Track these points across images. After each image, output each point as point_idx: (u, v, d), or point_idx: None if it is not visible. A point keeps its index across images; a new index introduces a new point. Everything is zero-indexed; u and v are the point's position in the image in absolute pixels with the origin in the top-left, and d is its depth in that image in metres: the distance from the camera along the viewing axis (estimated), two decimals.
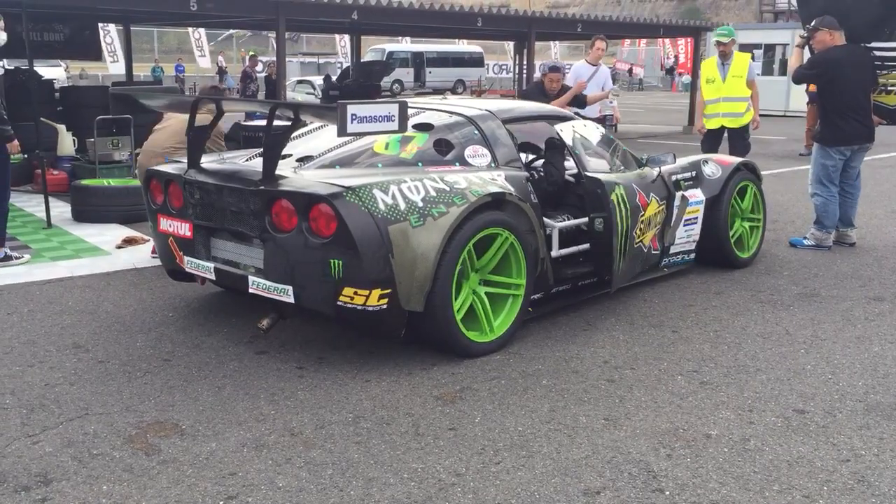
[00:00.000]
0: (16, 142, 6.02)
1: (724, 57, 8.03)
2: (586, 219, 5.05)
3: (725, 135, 8.31)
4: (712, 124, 8.24)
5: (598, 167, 5.12)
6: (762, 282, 5.78)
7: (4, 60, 11.46)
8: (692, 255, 5.98)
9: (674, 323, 4.88)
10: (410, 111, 4.85)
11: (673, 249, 5.78)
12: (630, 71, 46.23)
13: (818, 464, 3.15)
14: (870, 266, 6.25)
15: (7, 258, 6.08)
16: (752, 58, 9.19)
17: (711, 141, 8.27)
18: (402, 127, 3.89)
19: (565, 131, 5.08)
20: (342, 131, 3.68)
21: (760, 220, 6.35)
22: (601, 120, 8.96)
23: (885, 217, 8.28)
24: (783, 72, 24.90)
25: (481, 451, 3.27)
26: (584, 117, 8.70)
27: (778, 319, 4.95)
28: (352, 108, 3.68)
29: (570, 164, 5.37)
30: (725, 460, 3.18)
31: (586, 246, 5.12)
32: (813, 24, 6.58)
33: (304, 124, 4.68)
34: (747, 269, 6.09)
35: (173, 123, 5.87)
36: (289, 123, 4.19)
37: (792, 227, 7.59)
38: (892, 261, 6.41)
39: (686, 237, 5.83)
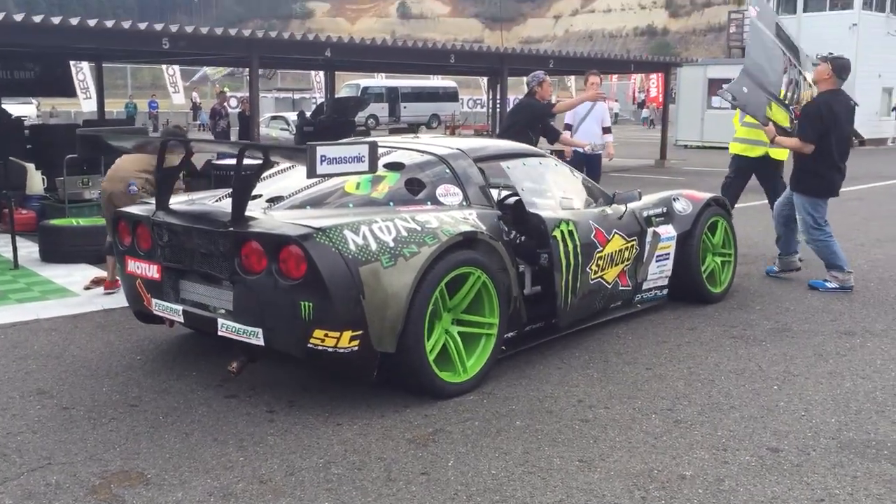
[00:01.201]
0: None
1: None
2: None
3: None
4: (755, 152, 7.60)
5: (550, 204, 5.13)
6: (735, 317, 5.80)
7: None
8: (665, 291, 6.00)
9: (648, 360, 4.87)
10: (382, 150, 4.88)
11: (646, 285, 5.79)
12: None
13: None
14: (840, 300, 6.30)
15: None
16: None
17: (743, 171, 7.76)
18: (373, 168, 3.88)
19: (513, 168, 5.11)
20: (311, 173, 3.67)
21: (732, 254, 6.40)
22: (594, 156, 8.99)
23: (854, 251, 8.38)
24: None
25: (454, 496, 3.21)
26: (576, 153, 8.83)
27: (751, 355, 4.96)
28: (321, 150, 3.66)
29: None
30: (700, 502, 3.15)
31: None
32: (824, 56, 6.56)
33: (274, 165, 4.66)
34: (720, 304, 6.12)
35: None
36: (259, 164, 4.16)
37: (763, 260, 7.64)
38: (862, 294, 6.48)
39: (658, 273, 5.85)
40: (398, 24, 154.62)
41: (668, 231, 5.87)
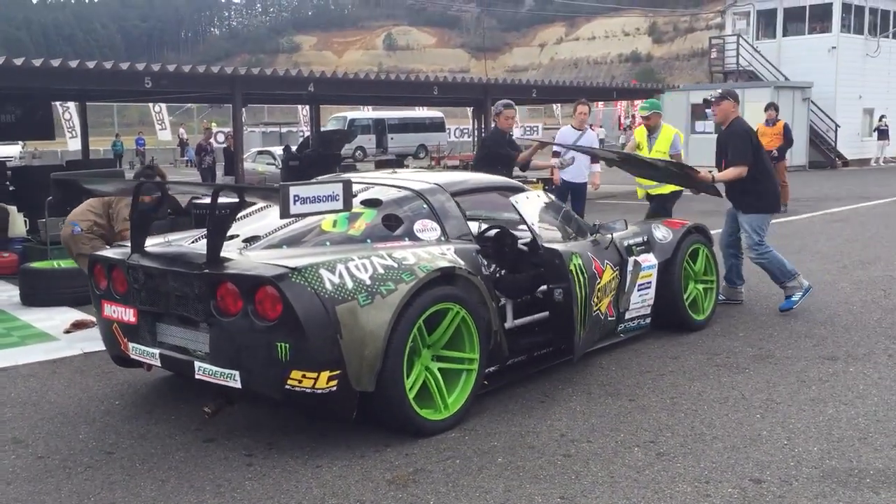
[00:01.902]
0: None
1: (651, 130, 7.89)
2: (544, 287, 5.05)
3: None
4: (640, 193, 8.35)
5: (552, 237, 5.14)
6: (718, 344, 5.79)
7: None
8: (648, 320, 5.98)
9: (630, 391, 4.84)
10: (359, 186, 4.88)
11: (628, 315, 5.78)
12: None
13: None
14: (823, 324, 6.29)
15: None
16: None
17: (654, 205, 8.13)
18: (347, 206, 3.87)
19: (520, 202, 5.11)
20: (285, 213, 3.66)
21: (714, 281, 6.40)
22: (580, 185, 9.07)
23: (838, 273, 8.40)
24: None
25: None
26: (564, 181, 8.92)
27: (734, 383, 4.94)
28: (294, 190, 3.65)
29: (521, 233, 5.40)
30: None
31: (545, 315, 5.12)
32: (720, 93, 6.63)
33: (249, 206, 4.65)
34: (703, 331, 6.11)
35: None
36: (234, 203, 4.15)
37: (747, 285, 7.64)
38: (844, 318, 6.48)
39: (641, 302, 5.84)
40: (385, 55, 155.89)
41: (649, 260, 5.87)
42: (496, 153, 7.78)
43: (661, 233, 6.11)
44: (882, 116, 28.26)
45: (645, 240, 5.96)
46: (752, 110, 22.88)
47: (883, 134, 28.23)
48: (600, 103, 49.10)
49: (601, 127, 49.09)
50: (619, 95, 22.73)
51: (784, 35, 28.87)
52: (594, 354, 5.51)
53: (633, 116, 45.59)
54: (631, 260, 5.73)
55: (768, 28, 29.35)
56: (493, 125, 8.25)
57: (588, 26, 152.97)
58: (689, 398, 4.69)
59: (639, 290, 5.80)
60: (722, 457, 3.86)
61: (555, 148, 8.87)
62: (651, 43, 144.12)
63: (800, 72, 27.14)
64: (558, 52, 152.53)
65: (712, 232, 6.62)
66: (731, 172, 6.55)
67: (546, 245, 4.97)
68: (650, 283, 5.88)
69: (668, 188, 7.83)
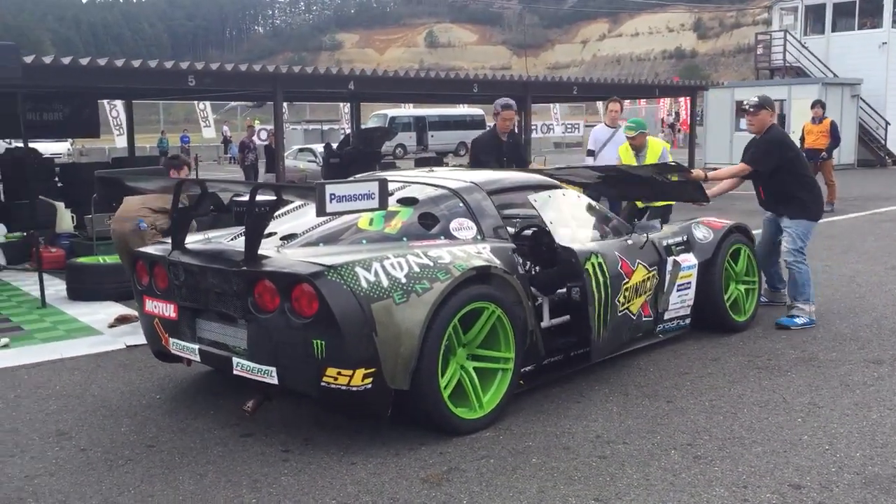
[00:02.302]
0: None
1: (637, 149, 7.66)
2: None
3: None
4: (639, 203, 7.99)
5: (575, 236, 5.09)
6: (759, 346, 5.70)
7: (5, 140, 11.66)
8: (687, 321, 5.91)
9: (668, 392, 4.79)
10: (395, 185, 4.90)
11: (667, 315, 5.71)
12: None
13: None
14: (869, 327, 6.15)
15: None
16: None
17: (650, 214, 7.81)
18: (383, 205, 3.88)
19: (539, 201, 5.08)
20: (321, 212, 3.68)
21: (756, 282, 6.30)
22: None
23: (885, 273, 8.21)
24: (781, 127, 25.10)
25: None
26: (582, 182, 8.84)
27: (775, 386, 4.86)
28: (330, 188, 3.68)
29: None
30: None
31: (567, 317, 5.09)
32: (757, 102, 6.29)
33: (286, 204, 4.69)
34: (744, 333, 6.01)
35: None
36: (272, 201, 4.19)
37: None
38: (891, 321, 6.33)
39: (680, 303, 5.77)
40: (426, 53, 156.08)
41: (688, 260, 5.80)
42: (476, 159, 7.52)
43: (702, 233, 6.03)
44: None
45: (685, 239, 5.89)
46: (799, 108, 22.49)
47: None
48: (643, 101, 48.70)
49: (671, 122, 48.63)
50: (661, 92, 22.48)
51: (833, 31, 28.25)
52: (632, 355, 5.46)
53: (677, 114, 45.09)
54: (670, 260, 5.67)
55: (817, 23, 28.75)
56: (488, 130, 7.86)
57: (631, 22, 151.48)
58: (729, 401, 4.62)
59: (678, 291, 5.73)
60: (761, 461, 3.80)
61: (588, 146, 9.11)
62: (696, 39, 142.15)
63: (849, 68, 26.55)
64: (601, 48, 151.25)
65: (753, 232, 6.51)
66: (726, 170, 6.39)
67: (561, 244, 4.91)
68: (690, 283, 5.80)
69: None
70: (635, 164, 7.63)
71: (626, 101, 51.03)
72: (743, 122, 26.36)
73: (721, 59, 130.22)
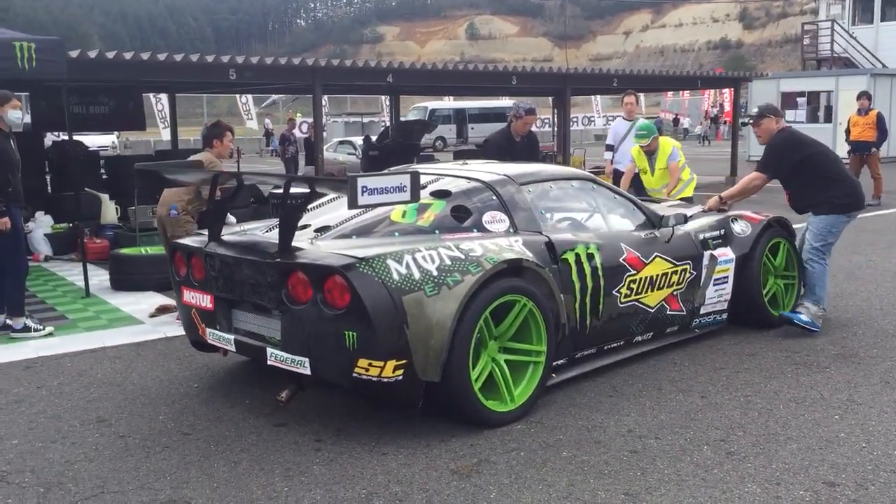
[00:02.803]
0: (6, 219, 5.94)
1: (650, 153, 7.66)
2: None
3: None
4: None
5: (571, 227, 5.05)
6: (798, 342, 5.61)
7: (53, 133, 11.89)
8: (724, 316, 5.84)
9: (703, 388, 4.74)
10: (428, 178, 4.91)
11: (703, 310, 5.65)
12: (675, 120, 46.16)
13: None
14: None
15: (26, 329, 6.12)
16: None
17: None
18: (415, 197, 3.90)
19: (556, 191, 5.16)
20: (353, 204, 3.71)
21: (795, 276, 6.18)
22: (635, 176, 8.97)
23: None
24: (828, 119, 24.64)
25: None
26: (616, 171, 8.85)
27: (813, 383, 4.78)
28: (362, 181, 3.70)
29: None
30: None
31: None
32: (757, 112, 6.12)
33: (320, 197, 4.73)
34: (782, 328, 5.91)
35: None
36: (306, 194, 4.24)
37: (833, 282, 7.36)
38: None
39: (717, 297, 5.70)
40: (467, 45, 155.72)
41: (725, 254, 5.72)
42: (503, 155, 7.29)
43: (740, 227, 5.94)
44: None
45: (722, 233, 5.81)
46: (846, 99, 22.01)
47: None
48: (686, 92, 48.00)
49: (688, 116, 48.01)
50: (703, 84, 22.14)
51: (882, 20, 27.57)
52: (666, 350, 5.42)
53: (721, 105, 44.42)
54: (707, 254, 5.60)
55: (865, 13, 28.09)
56: (502, 129, 7.72)
57: (675, 13, 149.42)
58: (765, 397, 4.56)
59: (714, 285, 5.66)
60: (795, 458, 3.75)
61: (608, 141, 9.40)
62: (741, 29, 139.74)
63: None
64: (643, 39, 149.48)
65: (795, 226, 6.39)
66: (736, 187, 6.19)
67: (541, 234, 4.74)
68: (727, 277, 5.73)
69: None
70: (647, 166, 7.71)
71: (669, 93, 49.91)
72: (790, 114, 25.91)
73: (767, 49, 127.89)
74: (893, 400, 4.45)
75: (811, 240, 5.96)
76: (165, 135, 31.72)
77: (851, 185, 6.01)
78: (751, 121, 6.25)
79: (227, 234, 4.72)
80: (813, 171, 5.90)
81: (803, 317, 5.79)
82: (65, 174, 11.36)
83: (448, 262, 4.08)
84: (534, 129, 8.10)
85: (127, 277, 7.87)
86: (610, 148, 9.22)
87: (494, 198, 4.76)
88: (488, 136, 8.01)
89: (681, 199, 7.37)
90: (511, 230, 4.65)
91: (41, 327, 6.24)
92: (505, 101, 41.04)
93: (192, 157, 6.58)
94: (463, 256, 4.14)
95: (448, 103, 40.80)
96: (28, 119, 7.22)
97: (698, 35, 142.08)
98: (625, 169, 8.77)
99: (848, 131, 14.13)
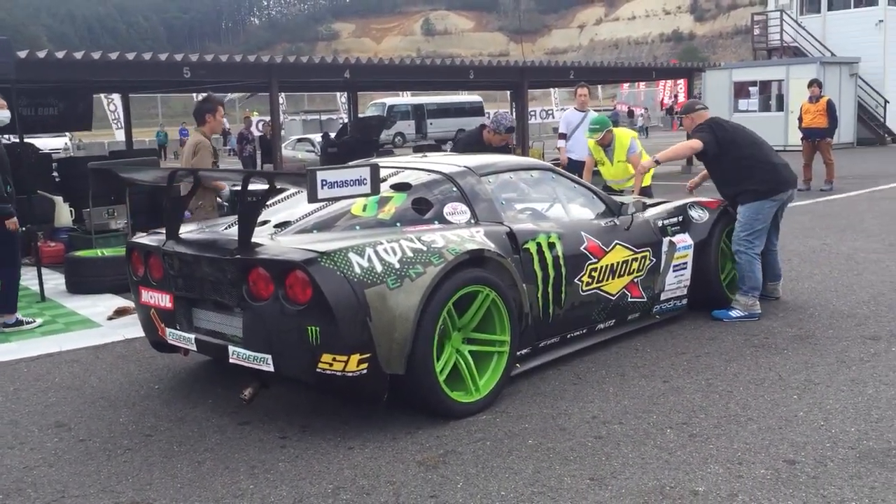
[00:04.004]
0: (14, 219, 6.28)
1: (605, 144, 7.70)
2: None
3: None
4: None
5: (531, 217, 5.06)
6: (756, 325, 5.71)
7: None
8: (684, 301, 5.92)
9: (665, 373, 4.80)
10: (388, 171, 4.90)
11: (664, 296, 5.72)
12: (630, 112, 46.65)
13: None
14: (866, 304, 6.16)
15: (18, 323, 6.35)
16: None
17: None
18: (375, 190, 3.88)
19: (516, 181, 5.18)
20: (313, 198, 3.68)
21: None
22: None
23: (884, 251, 8.21)
24: (780, 107, 25.08)
25: None
26: (570, 160, 8.99)
27: (771, 364, 4.87)
28: (321, 175, 3.68)
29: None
30: None
31: None
32: (683, 109, 6.41)
33: (279, 192, 4.69)
34: None
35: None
36: (264, 190, 4.20)
37: (789, 265, 7.51)
38: (889, 297, 6.33)
39: (676, 283, 5.78)
40: (423, 41, 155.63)
41: (684, 240, 5.80)
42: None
43: (698, 213, 6.03)
44: None
45: (680, 220, 5.88)
46: (797, 88, 22.43)
47: None
48: (642, 84, 48.52)
49: (645, 108, 48.54)
50: (658, 75, 22.43)
51: (829, 9, 28.14)
52: (629, 336, 5.48)
53: (676, 96, 45.01)
54: (666, 241, 5.67)
55: (812, 3, 28.63)
56: (478, 128, 7.58)
57: (628, 6, 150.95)
58: (725, 380, 4.64)
59: (674, 271, 5.73)
60: (756, 438, 3.81)
61: (560, 130, 9.65)
62: (693, 21, 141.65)
63: (846, 47, 26.46)
64: (598, 32, 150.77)
65: None
66: (669, 151, 6.23)
67: (509, 225, 4.75)
68: (686, 263, 5.81)
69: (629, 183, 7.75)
70: (605, 157, 7.77)
71: (625, 85, 50.41)
72: (742, 103, 26.37)
73: (719, 40, 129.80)
74: (849, 379, 4.55)
75: (738, 230, 5.93)
76: (119, 136, 31.19)
77: (771, 168, 5.95)
78: (679, 116, 6.45)
79: (186, 232, 4.66)
80: (731, 158, 5.97)
81: (733, 314, 5.85)
82: (16, 177, 11.08)
83: (410, 254, 4.07)
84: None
85: (83, 280, 7.73)
86: (563, 136, 9.51)
87: (455, 189, 4.76)
88: (460, 137, 8.06)
89: (643, 189, 7.40)
90: (472, 221, 4.65)
91: (32, 320, 6.48)
92: (464, 97, 41.16)
93: (191, 143, 6.50)
94: (425, 248, 4.14)
95: (406, 99, 40.75)
96: None
97: (651, 28, 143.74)
98: (578, 157, 8.94)
99: (800, 119, 14.41)
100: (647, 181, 7.80)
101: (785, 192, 5.97)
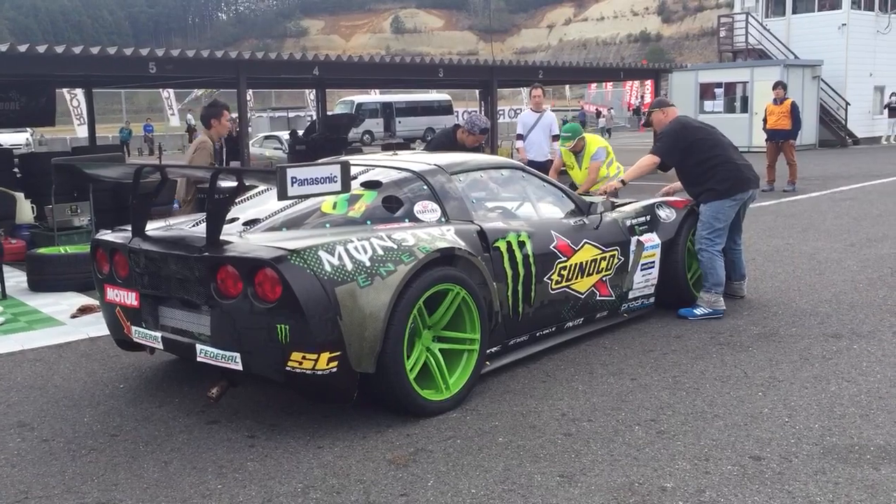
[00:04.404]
0: None
1: (576, 152, 7.84)
2: None
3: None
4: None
5: (501, 216, 5.06)
6: (722, 323, 5.78)
7: None
8: (652, 300, 5.97)
9: (633, 370, 4.84)
10: (359, 168, 4.88)
11: (632, 294, 5.77)
12: (598, 113, 46.97)
13: None
14: (828, 302, 6.27)
15: None
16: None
17: None
18: (345, 188, 3.86)
19: (486, 180, 5.19)
20: (282, 195, 3.65)
21: None
22: (546, 163, 9.21)
23: (844, 251, 8.36)
24: (744, 108, 25.41)
25: None
26: (529, 161, 9.11)
27: (737, 362, 4.93)
28: (291, 172, 3.65)
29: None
30: None
31: None
32: (649, 111, 6.56)
33: (248, 189, 4.65)
34: None
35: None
36: (233, 187, 4.15)
37: (753, 265, 7.62)
38: (850, 296, 6.45)
39: (644, 282, 5.83)
40: (392, 39, 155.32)
41: (652, 239, 5.85)
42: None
43: (665, 212, 6.09)
44: (893, 94, 28.02)
45: (648, 219, 5.94)
46: (761, 89, 22.75)
47: (894, 111, 28.00)
48: (609, 84, 48.87)
49: (611, 109, 48.91)
50: (626, 75, 22.60)
51: (793, 12, 28.58)
52: (597, 334, 5.52)
53: (643, 97, 45.40)
54: (634, 240, 5.72)
55: (777, 6, 29.06)
56: (452, 128, 7.65)
57: (597, 6, 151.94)
58: (692, 377, 4.69)
59: (642, 270, 5.78)
60: (722, 434, 3.86)
61: (518, 131, 9.90)
62: (660, 22, 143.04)
63: (810, 50, 26.90)
64: (567, 33, 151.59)
65: None
66: (633, 169, 6.28)
67: (479, 223, 4.75)
68: (654, 262, 5.86)
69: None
70: (574, 163, 7.89)
71: (593, 85, 50.67)
72: (708, 104, 26.60)
73: (685, 42, 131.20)
74: (813, 375, 4.63)
75: (700, 228, 5.99)
76: (82, 132, 30.74)
77: (733, 168, 6.01)
78: (648, 112, 6.60)
79: (152, 230, 4.60)
80: (695, 159, 6.06)
81: (697, 311, 5.91)
82: None
83: (381, 252, 4.06)
84: (461, 121, 8.14)
85: (46, 278, 7.58)
86: (520, 137, 9.79)
87: (426, 187, 4.75)
88: (434, 136, 8.10)
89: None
90: (443, 219, 4.65)
91: None
92: (433, 95, 41.15)
93: (195, 141, 7.07)
94: (395, 246, 4.13)
95: (375, 97, 40.65)
96: None
97: (619, 28, 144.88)
98: (534, 157, 9.07)
99: (765, 120, 14.61)
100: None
101: (745, 191, 6.04)
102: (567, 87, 55.25)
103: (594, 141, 7.98)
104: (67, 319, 6.48)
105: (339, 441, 3.92)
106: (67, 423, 4.28)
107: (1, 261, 7.51)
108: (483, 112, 19.14)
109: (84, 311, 6.60)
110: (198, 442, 3.98)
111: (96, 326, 6.13)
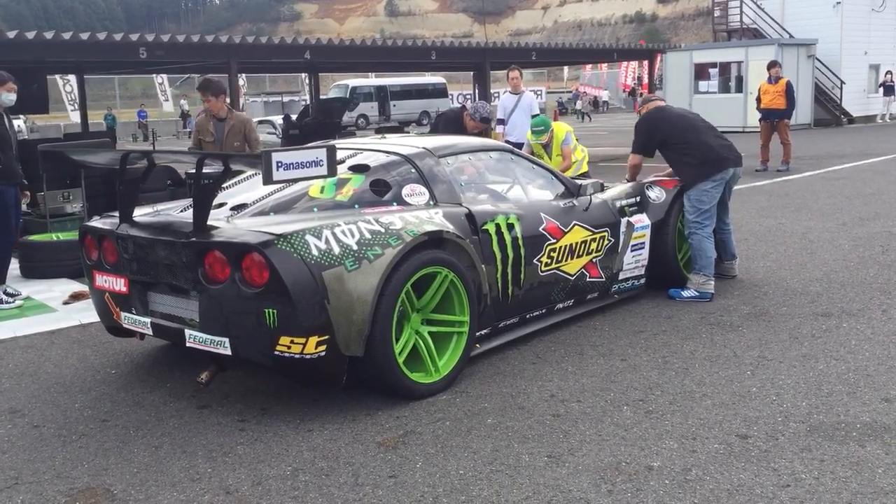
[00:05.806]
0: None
1: (545, 145, 8.05)
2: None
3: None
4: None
5: (489, 198, 5.06)
6: (713, 303, 5.79)
7: None
8: (642, 280, 5.99)
9: (622, 351, 4.86)
10: (346, 152, 4.88)
11: (622, 276, 5.78)
12: (595, 101, 46.83)
13: (758, 491, 3.12)
14: (819, 281, 6.29)
15: None
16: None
17: None
18: (332, 172, 3.86)
19: (475, 162, 5.17)
20: (268, 180, 3.64)
21: None
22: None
23: (836, 230, 8.37)
24: (739, 89, 25.35)
25: (420, 498, 3.20)
26: (509, 143, 9.19)
27: (726, 341, 4.95)
28: (277, 156, 3.64)
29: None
30: (666, 493, 3.14)
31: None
32: (641, 101, 6.79)
33: (235, 174, 4.64)
34: None
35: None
36: (220, 172, 4.14)
37: (745, 245, 7.63)
38: (841, 275, 6.47)
39: (634, 262, 5.84)
40: (386, 21, 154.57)
41: (642, 220, 5.86)
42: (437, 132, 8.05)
43: (655, 193, 6.08)
44: (888, 72, 27.94)
45: (638, 200, 5.94)
46: (756, 69, 22.68)
47: (889, 90, 27.94)
48: (604, 65, 48.71)
49: (606, 89, 48.80)
50: (620, 56, 22.53)
51: None
52: (588, 315, 5.53)
53: (639, 78, 45.27)
54: (624, 221, 5.72)
55: None
56: (460, 108, 8.16)
57: None
58: (681, 357, 4.71)
59: (632, 251, 5.79)
60: (710, 413, 3.88)
61: (498, 115, 9.90)
62: (655, 3, 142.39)
63: (804, 28, 26.81)
64: (561, 14, 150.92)
65: None
66: (629, 169, 6.44)
67: (468, 206, 4.74)
68: (643, 243, 5.87)
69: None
70: (543, 153, 8.03)
71: (588, 67, 50.55)
72: (702, 85, 26.46)
73: (681, 22, 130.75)
74: (801, 354, 4.65)
75: (687, 214, 6.00)
76: (75, 117, 30.64)
77: (706, 149, 5.98)
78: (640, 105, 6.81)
79: (140, 215, 4.59)
80: (670, 147, 6.14)
81: (685, 293, 5.91)
82: None
83: (368, 236, 4.06)
84: (456, 104, 8.40)
85: (38, 265, 7.59)
86: (501, 122, 9.80)
87: (413, 171, 4.75)
88: (443, 112, 8.34)
89: (580, 175, 7.67)
90: (431, 202, 4.65)
91: (12, 301, 6.49)
92: (427, 78, 40.99)
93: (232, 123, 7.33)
94: (383, 230, 4.13)
95: (369, 80, 40.47)
96: None
97: (614, 9, 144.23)
98: (516, 140, 9.15)
99: (759, 100, 14.57)
100: (585, 168, 8.07)
101: (724, 170, 5.99)
102: (566, 68, 55.01)
103: (560, 127, 8.19)
104: (59, 306, 6.48)
105: (328, 424, 3.94)
106: (58, 409, 4.29)
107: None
108: (477, 95, 19.07)
109: (76, 297, 6.61)
110: (188, 426, 3.99)
111: (88, 313, 6.12)
